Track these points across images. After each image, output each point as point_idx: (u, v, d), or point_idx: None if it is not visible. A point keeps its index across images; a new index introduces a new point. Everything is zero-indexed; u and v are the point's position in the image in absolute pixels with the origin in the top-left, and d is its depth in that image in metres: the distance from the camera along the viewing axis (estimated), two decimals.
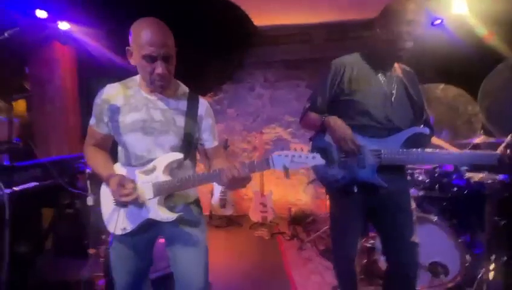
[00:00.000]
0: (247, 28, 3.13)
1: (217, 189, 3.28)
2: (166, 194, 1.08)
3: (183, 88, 1.16)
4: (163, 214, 1.06)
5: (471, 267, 1.75)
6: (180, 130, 1.09)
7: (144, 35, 0.96)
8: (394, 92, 1.29)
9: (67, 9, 2.33)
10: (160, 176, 1.06)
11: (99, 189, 1.19)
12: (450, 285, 1.74)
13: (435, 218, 1.80)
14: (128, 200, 1.02)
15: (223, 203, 3.25)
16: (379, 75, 1.30)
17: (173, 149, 1.09)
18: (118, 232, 1.10)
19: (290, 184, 3.62)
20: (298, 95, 3.58)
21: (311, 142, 1.42)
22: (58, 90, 2.53)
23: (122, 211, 1.09)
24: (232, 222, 3.29)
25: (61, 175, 1.90)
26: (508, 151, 1.10)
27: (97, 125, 1.13)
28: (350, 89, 1.28)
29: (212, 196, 3.31)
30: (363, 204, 1.34)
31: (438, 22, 2.28)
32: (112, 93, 1.09)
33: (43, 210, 2.04)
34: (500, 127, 1.67)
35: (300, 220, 3.26)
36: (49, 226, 2.04)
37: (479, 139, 1.72)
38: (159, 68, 0.98)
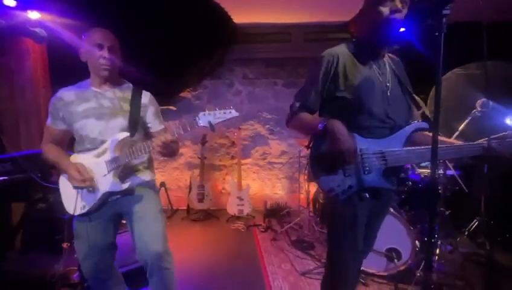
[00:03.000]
0: (228, 26, 3.18)
1: (195, 184, 3.35)
2: (119, 167, 1.24)
3: (128, 84, 1.39)
4: (118, 184, 1.23)
5: (420, 252, 1.98)
6: (127, 113, 1.29)
7: (95, 33, 1.26)
8: (389, 84, 1.14)
9: None
10: (112, 155, 1.24)
11: None
12: (402, 268, 1.96)
13: (391, 209, 2.00)
14: (83, 186, 1.20)
15: (201, 197, 3.32)
16: (374, 66, 1.15)
17: (122, 130, 1.27)
18: (78, 211, 1.23)
19: (266, 178, 3.75)
20: (276, 93, 3.70)
21: (310, 150, 1.19)
22: (28, 82, 2.45)
23: (81, 191, 1.25)
24: (209, 215, 3.37)
25: (34, 169, 1.88)
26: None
27: (53, 123, 1.31)
28: (345, 84, 1.11)
29: (190, 191, 3.37)
30: (368, 210, 1.17)
31: (402, 30, 2.47)
32: (64, 92, 1.30)
33: (14, 205, 2.01)
34: (446, 130, 1.90)
35: (275, 213, 3.42)
36: (20, 221, 2.01)
37: None
38: (106, 53, 1.24)
